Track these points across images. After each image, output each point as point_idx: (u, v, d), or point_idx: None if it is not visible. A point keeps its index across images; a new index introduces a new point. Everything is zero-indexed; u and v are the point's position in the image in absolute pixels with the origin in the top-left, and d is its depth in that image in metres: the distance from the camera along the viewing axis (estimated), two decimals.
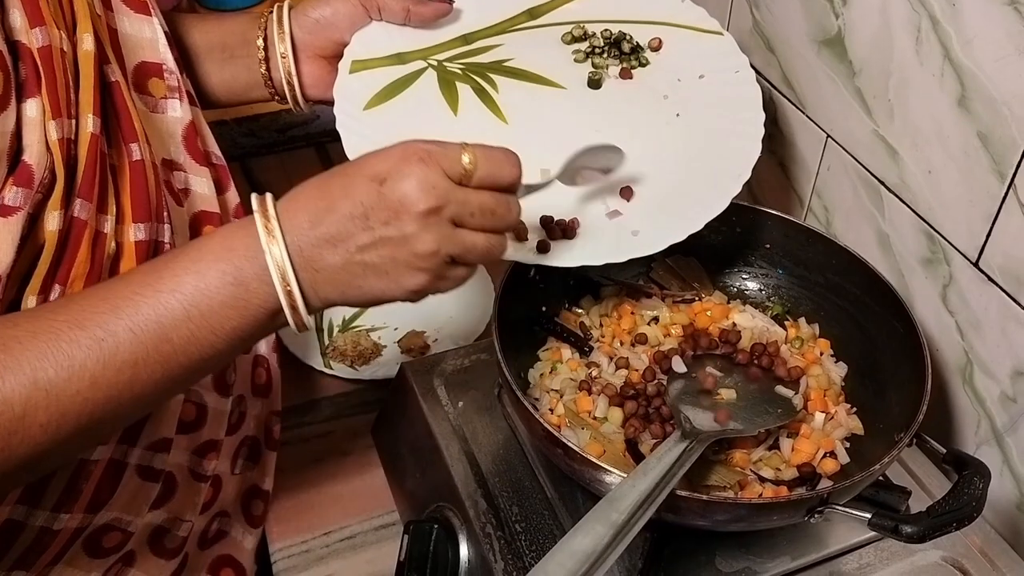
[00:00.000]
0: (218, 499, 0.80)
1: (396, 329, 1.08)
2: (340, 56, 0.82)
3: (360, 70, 0.81)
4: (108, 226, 0.62)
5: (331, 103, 0.80)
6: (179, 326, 0.54)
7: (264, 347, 0.83)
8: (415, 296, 0.59)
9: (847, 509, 0.62)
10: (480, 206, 0.57)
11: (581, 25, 0.87)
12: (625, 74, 0.84)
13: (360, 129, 0.77)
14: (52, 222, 0.59)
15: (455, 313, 1.09)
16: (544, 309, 0.84)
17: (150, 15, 0.70)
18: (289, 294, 0.55)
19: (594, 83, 0.83)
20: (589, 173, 0.72)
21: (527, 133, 0.78)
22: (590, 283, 0.86)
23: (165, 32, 0.72)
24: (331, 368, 1.02)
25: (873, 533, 0.67)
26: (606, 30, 0.87)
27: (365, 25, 0.83)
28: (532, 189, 0.63)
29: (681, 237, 0.73)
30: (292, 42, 0.81)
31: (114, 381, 0.53)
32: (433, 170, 0.55)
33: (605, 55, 0.85)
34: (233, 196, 0.78)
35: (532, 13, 0.89)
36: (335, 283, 0.57)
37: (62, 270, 0.60)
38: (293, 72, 0.82)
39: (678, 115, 0.81)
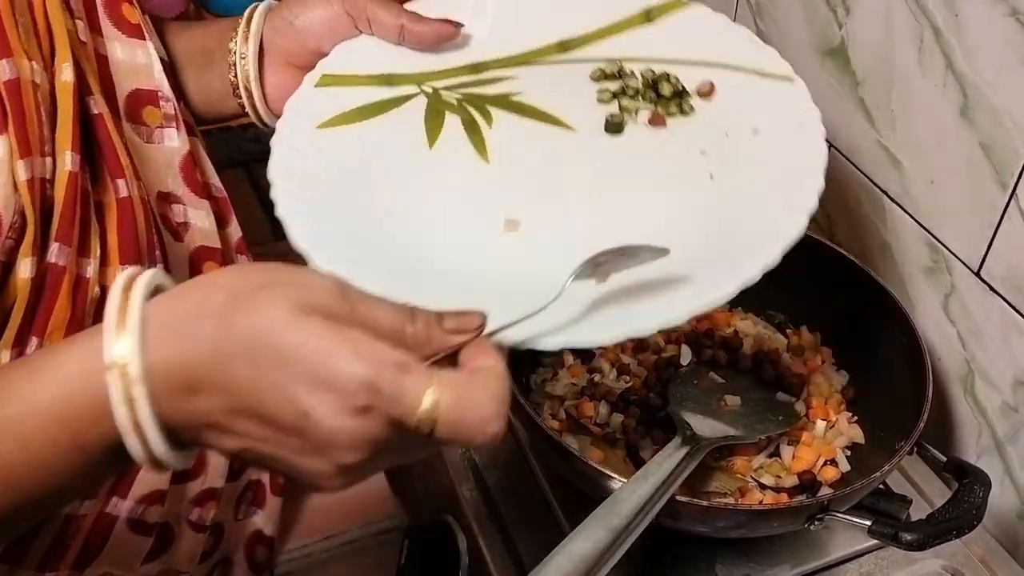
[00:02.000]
0: (220, 547, 0.77)
1: None
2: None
3: (331, 84, 0.68)
4: (91, 270, 0.58)
5: None
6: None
7: None
8: None
9: (847, 516, 0.62)
10: (414, 451, 0.44)
11: (618, 61, 0.71)
12: (656, 120, 0.67)
13: (301, 147, 0.63)
14: (25, 269, 0.54)
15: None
16: None
17: (144, 39, 0.66)
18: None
19: (613, 127, 0.66)
20: (613, 269, 0.53)
21: (507, 177, 0.64)
22: None
23: (161, 59, 0.67)
24: None
25: (874, 541, 0.67)
26: (648, 69, 0.70)
27: (351, 37, 0.70)
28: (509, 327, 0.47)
29: (655, 329, 0.53)
30: (260, 44, 0.70)
31: None
32: (375, 424, 0.39)
33: (638, 97, 0.68)
34: (235, 231, 0.74)
35: (563, 46, 0.73)
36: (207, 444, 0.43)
37: (38, 320, 0.55)
38: (252, 78, 0.70)
39: (712, 176, 0.63)
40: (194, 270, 0.70)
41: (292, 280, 0.42)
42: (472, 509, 0.74)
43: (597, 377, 0.78)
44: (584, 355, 0.81)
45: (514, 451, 0.78)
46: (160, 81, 0.67)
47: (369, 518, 0.89)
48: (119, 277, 0.42)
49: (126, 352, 0.39)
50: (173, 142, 0.68)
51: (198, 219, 0.70)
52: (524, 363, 0.81)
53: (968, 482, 0.61)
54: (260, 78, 0.71)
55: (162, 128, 0.67)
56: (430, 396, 0.39)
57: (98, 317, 0.54)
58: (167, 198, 0.68)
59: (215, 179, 0.73)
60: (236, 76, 0.71)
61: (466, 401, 0.40)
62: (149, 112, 0.67)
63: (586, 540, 0.55)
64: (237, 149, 1.34)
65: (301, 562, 0.86)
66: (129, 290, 0.41)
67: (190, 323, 0.40)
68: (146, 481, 0.67)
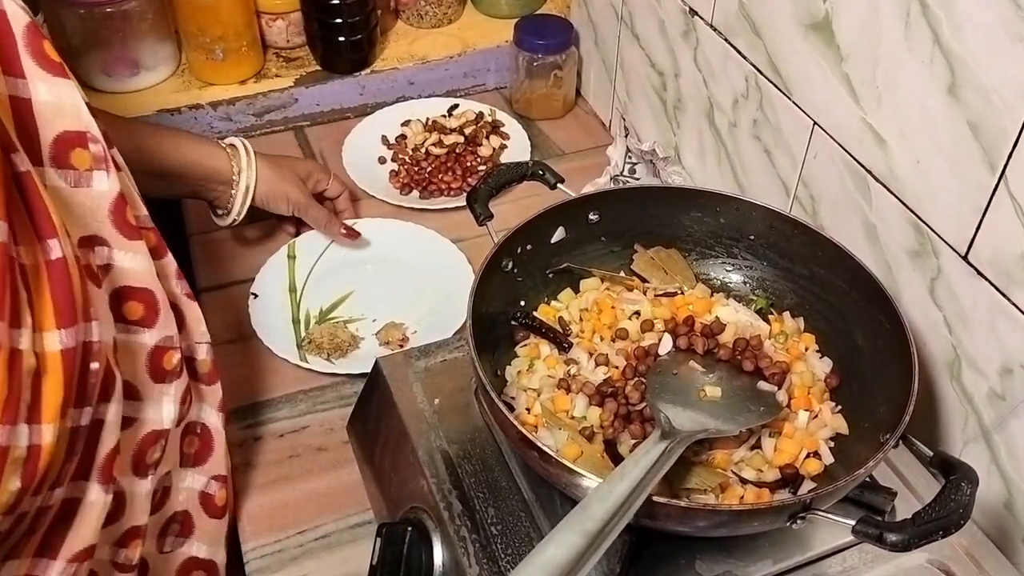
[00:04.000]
0: None
1: (374, 321, 1.05)
2: None
3: None
4: (25, 341, 0.54)
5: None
6: None
7: (195, 412, 0.79)
8: None
9: (830, 515, 0.60)
10: None
11: None
12: None
13: None
14: None
15: (435, 304, 1.06)
16: (523, 304, 0.81)
17: (68, 78, 0.61)
18: None
19: None
20: None
21: None
22: (569, 276, 0.84)
23: (83, 96, 0.63)
24: (306, 361, 0.99)
25: None
26: None
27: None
28: None
29: None
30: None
31: None
32: None
33: None
34: (170, 261, 0.72)
35: None
36: None
37: None
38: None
39: None
40: (115, 313, 0.67)
41: None
42: (447, 506, 0.72)
43: (574, 369, 0.76)
44: (561, 346, 0.79)
45: (490, 445, 0.76)
46: (88, 121, 0.62)
47: (344, 512, 0.87)
48: None
49: None
50: (103, 185, 0.64)
51: (122, 260, 0.67)
52: (499, 355, 0.78)
53: (955, 479, 0.59)
54: None
55: (91, 171, 0.63)
56: None
57: (36, 390, 0.55)
58: (89, 242, 0.64)
59: (143, 211, 0.70)
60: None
61: None
62: (78, 155, 0.62)
63: (559, 547, 0.53)
64: (207, 128, 1.30)
65: (273, 558, 0.84)
66: None
67: None
68: (80, 539, 0.64)
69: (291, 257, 1.12)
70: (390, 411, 0.80)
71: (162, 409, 0.71)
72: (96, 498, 0.64)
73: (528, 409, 0.73)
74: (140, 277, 0.68)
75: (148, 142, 0.97)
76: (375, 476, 0.84)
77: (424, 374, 0.82)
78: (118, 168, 0.66)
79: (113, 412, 0.63)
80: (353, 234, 1.12)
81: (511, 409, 0.73)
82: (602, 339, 0.79)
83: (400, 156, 1.27)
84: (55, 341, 0.56)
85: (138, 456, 0.70)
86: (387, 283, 1.11)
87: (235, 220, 1.07)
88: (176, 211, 1.19)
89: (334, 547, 0.85)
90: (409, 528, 0.72)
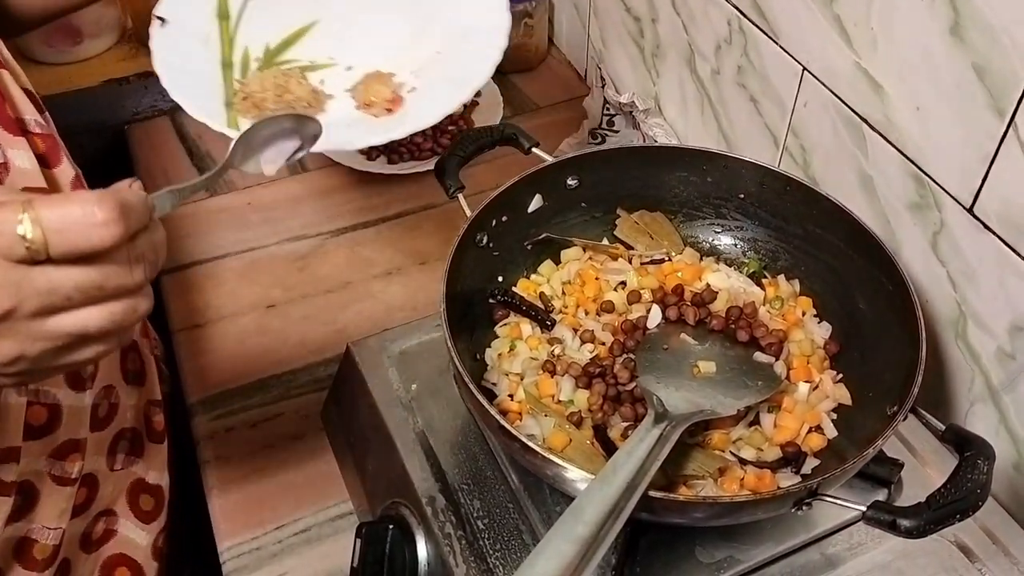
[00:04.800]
0: (96, 498, 0.75)
1: (349, 69, 0.73)
2: None
3: None
4: None
5: None
6: None
7: (134, 333, 0.76)
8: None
9: (837, 500, 0.57)
10: (77, 286, 0.41)
11: None
12: None
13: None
14: None
15: (444, 44, 0.77)
16: (500, 279, 0.76)
17: None
18: None
19: None
20: (280, 148, 0.53)
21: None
22: (549, 247, 0.78)
23: None
24: (237, 128, 0.68)
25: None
26: None
27: None
28: (183, 193, 0.46)
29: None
30: None
31: None
32: None
33: None
34: (67, 170, 0.67)
35: None
36: None
37: None
38: None
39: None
40: None
41: None
42: (429, 501, 0.67)
43: (558, 348, 0.71)
44: (544, 324, 0.74)
45: (473, 432, 0.71)
46: None
47: (323, 503, 0.83)
48: None
49: None
50: None
51: (18, 159, 0.63)
52: (478, 336, 0.73)
53: (970, 455, 0.55)
54: None
55: None
56: (28, 214, 0.39)
57: None
58: None
59: (33, 114, 0.65)
60: None
61: (65, 204, 0.40)
62: None
63: (550, 559, 0.49)
64: (159, 95, 1.23)
65: (251, 557, 0.80)
66: None
67: None
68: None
69: None
70: (365, 399, 0.75)
71: None
72: (14, 401, 0.63)
73: (511, 395, 0.68)
74: (36, 178, 0.64)
75: None
76: (353, 469, 0.79)
77: (399, 358, 0.77)
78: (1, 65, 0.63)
79: None
80: None
81: (493, 396, 0.69)
82: (587, 314, 0.74)
83: None
84: None
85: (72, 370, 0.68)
86: (369, 9, 0.78)
87: None
88: None
89: (314, 542, 0.81)
90: (390, 526, 0.68)
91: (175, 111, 1.22)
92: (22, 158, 0.63)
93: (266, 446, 0.88)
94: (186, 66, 0.71)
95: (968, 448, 0.56)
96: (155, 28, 0.73)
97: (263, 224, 1.09)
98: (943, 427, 0.59)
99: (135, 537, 0.80)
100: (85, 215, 0.40)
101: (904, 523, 0.53)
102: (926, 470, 0.69)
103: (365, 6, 0.77)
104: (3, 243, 0.39)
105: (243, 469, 0.86)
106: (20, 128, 0.64)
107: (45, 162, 0.66)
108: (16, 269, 0.40)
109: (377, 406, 0.74)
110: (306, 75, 0.73)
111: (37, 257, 0.40)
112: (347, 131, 0.70)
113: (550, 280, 0.77)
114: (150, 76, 1.20)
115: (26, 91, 0.67)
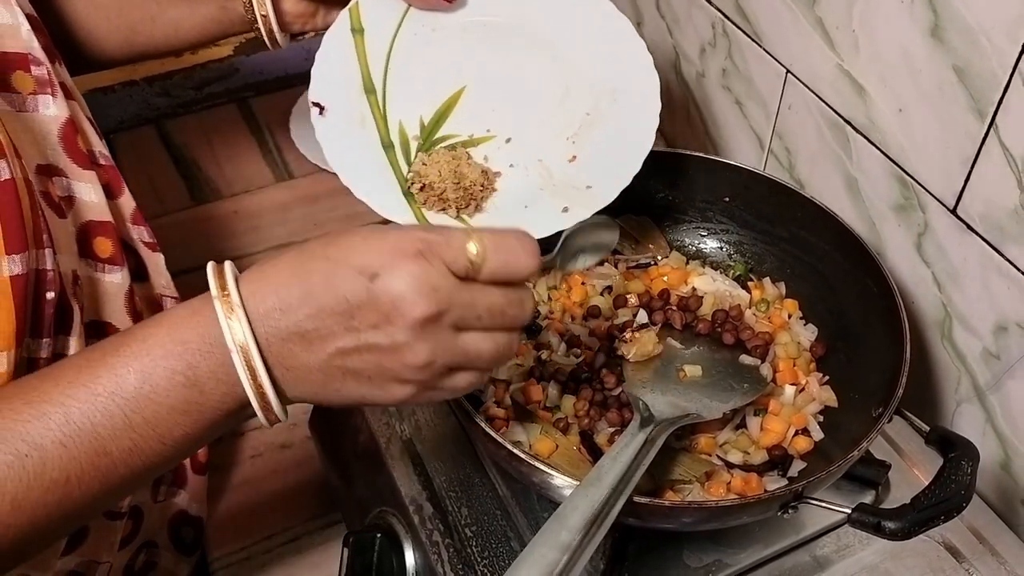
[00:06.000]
0: (141, 530, 0.73)
1: (509, 141, 0.71)
2: None
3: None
4: None
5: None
6: (119, 436, 0.46)
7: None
8: (402, 404, 0.53)
9: (823, 503, 0.57)
10: (489, 307, 0.47)
11: None
12: None
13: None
14: None
15: (595, 104, 0.74)
16: None
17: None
18: (262, 395, 0.47)
19: None
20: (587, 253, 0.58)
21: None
22: None
23: (28, 15, 0.61)
24: (427, 222, 0.66)
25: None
26: None
27: None
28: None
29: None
30: None
31: (41, 502, 0.45)
32: (434, 267, 0.46)
33: None
34: (128, 201, 0.69)
35: None
36: (308, 383, 0.48)
37: None
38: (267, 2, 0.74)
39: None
40: (83, 248, 0.64)
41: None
42: (416, 509, 0.67)
43: (545, 355, 0.71)
44: (530, 330, 0.74)
45: (461, 439, 0.71)
46: (29, 42, 0.61)
47: (313, 511, 0.83)
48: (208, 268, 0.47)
49: (242, 337, 0.46)
50: (49, 109, 0.62)
51: (83, 192, 0.64)
52: None
53: (954, 456, 0.55)
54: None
55: (35, 95, 0.62)
56: (473, 237, 0.47)
57: None
58: (48, 171, 0.62)
59: (100, 146, 0.67)
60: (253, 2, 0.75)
61: (503, 236, 0.48)
62: (19, 78, 0.61)
63: (533, 567, 0.48)
64: (144, 105, 1.23)
65: (240, 567, 0.80)
66: (222, 276, 0.47)
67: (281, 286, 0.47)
68: None
69: (356, 31, 0.71)
70: (352, 408, 0.75)
71: None
72: None
73: (497, 402, 0.68)
74: (102, 211, 0.65)
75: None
76: (340, 477, 0.79)
77: None
78: (68, 95, 0.64)
79: (74, 347, 0.60)
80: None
81: (479, 403, 0.69)
82: (573, 319, 0.74)
83: None
84: (4, 267, 0.53)
85: None
86: (511, 70, 0.72)
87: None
88: None
89: (304, 551, 0.80)
90: (378, 535, 0.68)
91: (161, 119, 1.22)
92: (88, 192, 0.64)
93: (253, 456, 0.88)
94: (354, 156, 0.68)
95: (952, 449, 0.56)
96: (315, 118, 0.69)
97: (250, 232, 1.09)
98: (928, 428, 0.59)
99: (175, 569, 0.78)
100: (520, 243, 0.48)
101: (889, 525, 0.53)
102: (914, 471, 0.69)
103: (508, 70, 0.73)
104: (451, 255, 0.46)
105: (232, 478, 0.86)
106: (90, 160, 0.64)
107: (110, 192, 0.67)
108: (453, 280, 0.46)
109: (364, 414, 0.73)
110: (469, 152, 0.71)
111: (471, 274, 0.47)
112: (530, 212, 0.69)
113: (536, 285, 0.77)
114: (135, 85, 1.20)
115: (89, 119, 0.68)
